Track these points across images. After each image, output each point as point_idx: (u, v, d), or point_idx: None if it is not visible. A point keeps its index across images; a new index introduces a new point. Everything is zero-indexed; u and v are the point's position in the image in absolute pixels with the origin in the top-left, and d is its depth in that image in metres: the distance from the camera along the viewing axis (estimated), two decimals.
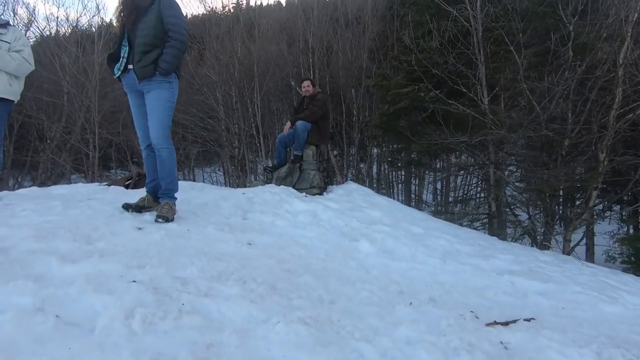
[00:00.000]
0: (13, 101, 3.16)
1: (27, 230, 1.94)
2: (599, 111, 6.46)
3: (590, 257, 8.59)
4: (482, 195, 10.39)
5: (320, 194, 5.30)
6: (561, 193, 7.72)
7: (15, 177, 14.63)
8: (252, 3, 15.26)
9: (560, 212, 7.64)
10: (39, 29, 13.55)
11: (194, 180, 19.87)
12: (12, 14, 12.21)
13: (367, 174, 15.85)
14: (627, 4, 6.17)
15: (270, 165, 5.76)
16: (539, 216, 7.45)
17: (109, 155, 15.84)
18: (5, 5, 11.89)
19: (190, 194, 4.10)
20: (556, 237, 7.07)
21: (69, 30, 14.19)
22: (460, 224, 7.61)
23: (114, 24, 2.85)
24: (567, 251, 6.52)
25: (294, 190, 4.88)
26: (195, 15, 15.90)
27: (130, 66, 2.68)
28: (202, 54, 14.85)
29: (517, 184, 7.73)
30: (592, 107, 6.54)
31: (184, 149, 17.92)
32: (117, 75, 2.80)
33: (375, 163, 15.93)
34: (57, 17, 11.44)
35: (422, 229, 4.26)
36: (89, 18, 13.39)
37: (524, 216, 7.70)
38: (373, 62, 12.45)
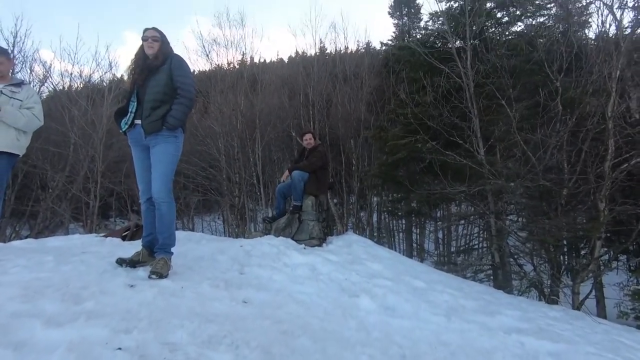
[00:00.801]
0: (19, 155, 3.23)
1: (15, 290, 1.88)
2: (593, 161, 6.57)
3: (601, 311, 8.22)
4: (485, 245, 10.22)
5: (320, 245, 5.22)
6: (565, 243, 7.59)
7: (13, 226, 14.50)
8: (255, 60, 16.16)
9: (566, 262, 7.45)
10: (52, 84, 14.23)
11: (193, 229, 19.71)
12: (29, 71, 12.91)
13: (368, 222, 15.74)
14: (609, 63, 6.53)
15: (270, 215, 5.72)
16: (545, 267, 7.27)
17: (110, 204, 15.87)
18: (24, 64, 12.60)
19: (187, 246, 4.04)
20: (564, 289, 6.83)
21: (82, 85, 14.91)
22: (464, 276, 7.40)
23: (125, 80, 3.00)
24: (577, 305, 6.26)
25: (293, 242, 4.81)
26: (201, 71, 16.77)
27: (138, 121, 2.77)
28: (206, 107, 15.49)
29: (519, 233, 7.63)
30: (587, 157, 6.66)
31: (184, 198, 18.00)
32: (123, 130, 2.88)
33: (376, 212, 15.90)
34: (71, 74, 12.15)
35: (424, 283, 4.13)
36: (101, 74, 14.08)
37: (529, 267, 7.51)
38: (371, 114, 12.93)
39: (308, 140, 5.70)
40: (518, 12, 8.31)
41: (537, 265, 6.90)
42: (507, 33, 8.62)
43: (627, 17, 7.21)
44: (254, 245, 4.17)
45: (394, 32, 16.31)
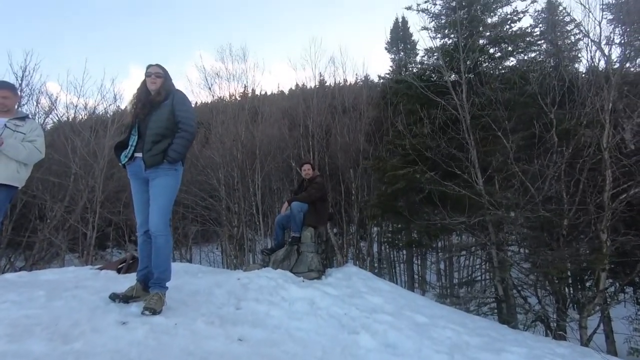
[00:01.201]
0: (17, 187, 3.24)
1: (3, 328, 1.82)
2: (592, 192, 6.58)
3: (610, 346, 7.92)
4: (488, 277, 10.03)
5: (319, 277, 5.11)
6: (569, 275, 7.44)
7: (8, 257, 14.27)
8: (257, 92, 16.59)
9: (571, 295, 7.27)
10: (57, 115, 14.52)
11: (191, 260, 19.39)
12: (35, 104, 13.20)
13: (368, 253, 15.51)
14: (601, 96, 6.70)
15: (269, 247, 5.65)
16: (550, 300, 7.08)
17: (107, 235, 15.70)
18: (30, 96, 12.91)
19: (184, 279, 3.96)
20: (570, 323, 6.62)
21: (86, 117, 15.19)
22: (467, 309, 7.20)
23: (127, 113, 3.07)
24: (585, 341, 6.05)
25: (292, 275, 4.71)
26: (203, 103, 17.18)
27: (138, 154, 2.80)
28: (207, 138, 15.72)
29: (522, 265, 7.50)
30: (585, 188, 6.67)
31: (182, 228, 17.84)
32: (123, 163, 2.90)
33: (376, 242, 15.72)
34: (76, 106, 12.46)
35: (426, 318, 4.01)
36: (105, 106, 14.42)
37: (534, 300, 7.31)
38: (370, 144, 13.10)
39: (306, 170, 5.74)
40: (510, 48, 8.65)
41: (541, 298, 6.72)
42: (500, 67, 8.91)
43: (615, 52, 7.44)
44: (251, 279, 4.08)
45: (391, 66, 16.87)
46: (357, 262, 15.21)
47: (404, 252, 15.20)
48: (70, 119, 14.78)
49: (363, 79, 17.52)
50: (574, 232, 7.14)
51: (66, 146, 12.88)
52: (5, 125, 3.12)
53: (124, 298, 2.69)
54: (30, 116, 3.45)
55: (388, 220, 12.74)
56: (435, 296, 10.26)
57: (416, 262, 15.20)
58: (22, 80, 12.09)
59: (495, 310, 7.42)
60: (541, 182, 6.64)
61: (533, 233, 7.09)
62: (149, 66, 2.95)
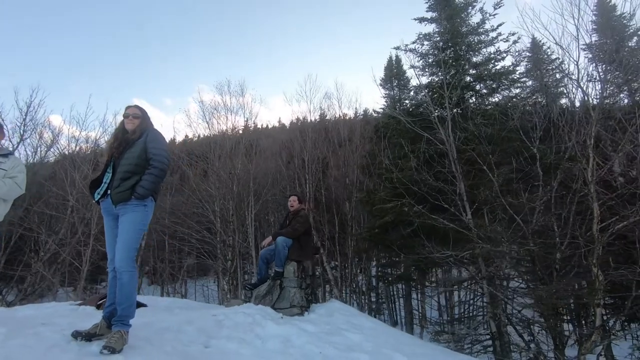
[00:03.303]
0: None
1: None
2: (581, 225, 6.55)
3: None
4: (482, 312, 9.74)
5: (301, 313, 5.03)
6: (563, 311, 7.24)
7: (0, 291, 14.08)
8: (255, 126, 17.00)
9: (568, 332, 7.03)
10: (59, 149, 14.86)
11: (185, 295, 19.00)
12: (38, 137, 13.58)
13: (367, 287, 15.17)
14: (582, 131, 6.83)
15: (252, 282, 5.59)
16: (546, 336, 6.84)
17: (102, 268, 15.55)
18: (33, 130, 13.30)
19: (157, 316, 3.91)
20: None
21: (88, 150, 15.49)
22: (461, 347, 6.96)
23: (105, 151, 3.17)
24: None
25: (271, 311, 4.65)
26: (203, 137, 17.56)
27: (110, 191, 2.88)
28: (206, 171, 15.93)
29: (514, 299, 7.32)
30: (574, 221, 6.65)
31: (179, 261, 17.65)
32: (96, 199, 2.98)
33: (374, 276, 15.42)
34: (77, 139, 12.85)
35: (405, 357, 3.89)
36: (106, 140, 14.76)
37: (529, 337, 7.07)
38: (365, 176, 13.26)
39: (292, 202, 5.76)
40: (494, 85, 8.95)
41: (536, 335, 6.51)
42: (486, 103, 9.18)
43: (596, 89, 7.66)
44: (227, 315, 4.03)
45: (386, 101, 17.38)
46: (354, 297, 14.87)
47: (402, 286, 14.87)
48: (72, 152, 15.11)
49: (359, 113, 18.02)
50: (566, 266, 7.03)
51: (65, 180, 13.08)
52: None
53: (87, 336, 2.67)
54: (12, 153, 3.57)
55: (379, 255, 12.58)
56: (432, 334, 9.95)
57: (415, 297, 14.81)
58: (26, 115, 12.52)
59: (489, 349, 7.16)
60: (529, 214, 6.64)
61: (524, 268, 6.99)
62: (127, 107, 3.09)
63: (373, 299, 15.42)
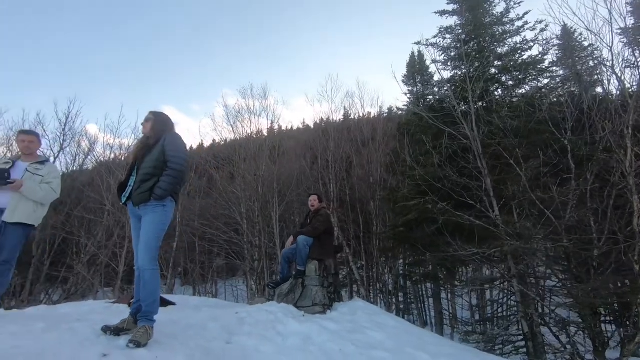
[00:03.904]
0: (34, 225, 3.56)
1: None
2: (619, 219, 6.17)
3: None
4: (512, 312, 9.34)
5: (324, 312, 5.04)
6: (604, 311, 6.83)
7: (46, 291, 15.06)
8: (278, 127, 17.21)
9: (608, 333, 6.63)
10: (95, 156, 15.70)
11: (216, 295, 19.53)
12: (76, 146, 14.42)
13: (394, 287, 14.97)
14: (620, 120, 6.42)
15: (274, 281, 5.68)
16: (583, 338, 6.49)
17: None
18: (72, 139, 14.14)
19: (184, 313, 4.06)
20: None
21: (123, 157, 16.29)
22: (492, 348, 6.74)
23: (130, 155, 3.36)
24: None
25: (294, 309, 4.70)
26: (227, 141, 17.96)
27: None
28: (232, 174, 16.32)
29: (550, 299, 6.99)
30: (612, 215, 6.27)
31: (209, 262, 18.15)
32: (123, 202, 3.15)
33: (401, 276, 15.20)
34: (112, 147, 13.75)
35: (429, 356, 3.82)
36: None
37: (565, 337, 6.72)
38: (389, 175, 13.11)
39: (312, 202, 5.81)
40: (521, 76, 8.59)
41: (572, 336, 6.18)
42: (513, 95, 8.83)
43: (633, 76, 7.20)
44: (250, 313, 4.12)
45: (409, 98, 17.09)
46: (381, 297, 14.71)
47: (431, 285, 14.55)
48: (107, 159, 15.92)
49: (381, 111, 17.79)
50: (605, 264, 6.63)
51: (101, 185, 13.82)
52: (26, 169, 3.50)
53: (115, 331, 2.83)
54: (48, 160, 3.84)
55: (407, 252, 12.37)
56: (463, 334, 9.66)
57: (444, 297, 14.45)
58: (65, 125, 13.31)
59: (522, 350, 6.87)
60: (561, 210, 6.32)
61: (559, 266, 6.66)
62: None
63: (401, 299, 15.20)
